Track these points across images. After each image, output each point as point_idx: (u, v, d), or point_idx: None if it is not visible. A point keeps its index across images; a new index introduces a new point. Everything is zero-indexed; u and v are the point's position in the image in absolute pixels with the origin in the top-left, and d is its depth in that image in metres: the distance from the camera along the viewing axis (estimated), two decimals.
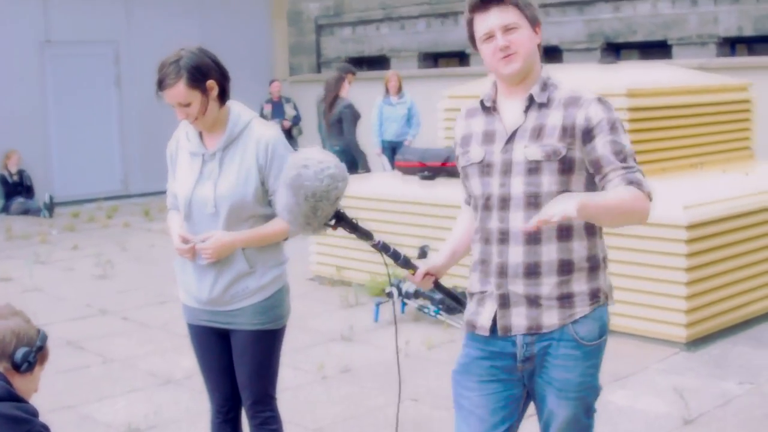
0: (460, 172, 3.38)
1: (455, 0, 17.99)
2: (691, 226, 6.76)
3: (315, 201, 3.18)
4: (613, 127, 3.09)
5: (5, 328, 2.88)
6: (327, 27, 20.81)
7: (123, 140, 17.13)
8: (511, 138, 3.16)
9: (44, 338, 2.97)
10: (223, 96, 3.93)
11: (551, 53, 16.47)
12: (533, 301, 3.15)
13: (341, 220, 3.31)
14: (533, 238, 3.11)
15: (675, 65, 11.52)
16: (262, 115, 15.82)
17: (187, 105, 3.82)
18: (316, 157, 3.24)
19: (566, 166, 3.09)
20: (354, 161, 11.37)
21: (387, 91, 13.50)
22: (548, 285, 3.13)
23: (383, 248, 3.36)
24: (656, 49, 15.39)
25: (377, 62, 19.49)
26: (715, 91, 8.94)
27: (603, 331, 3.22)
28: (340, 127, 11.65)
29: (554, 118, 3.12)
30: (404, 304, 7.89)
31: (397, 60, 19.08)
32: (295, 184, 3.18)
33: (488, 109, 3.27)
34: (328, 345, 7.29)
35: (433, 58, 18.89)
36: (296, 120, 16.18)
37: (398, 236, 8.43)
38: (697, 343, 6.91)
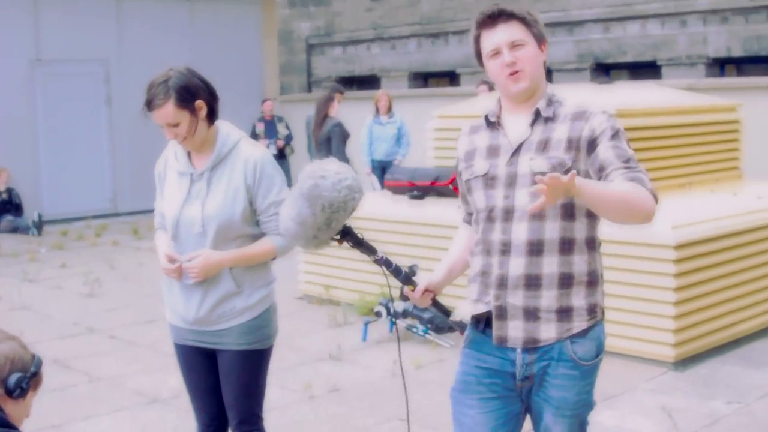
0: (461, 188, 3.40)
1: (446, 20, 18.08)
2: (680, 246, 6.77)
3: (331, 212, 3.17)
4: (615, 135, 3.11)
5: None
6: (318, 47, 20.87)
7: (113, 159, 17.10)
8: (516, 151, 3.19)
9: (39, 364, 2.94)
10: (211, 116, 3.93)
11: None
12: (531, 314, 3.16)
13: (347, 234, 3.30)
14: (535, 250, 3.12)
15: (664, 85, 11.55)
16: (255, 134, 15.85)
17: (176, 125, 3.82)
18: (333, 168, 3.24)
19: None
20: None
21: (377, 110, 13.52)
22: (548, 297, 3.14)
23: (385, 263, 3.35)
24: (646, 70, 15.47)
25: (368, 82, 19.55)
26: (704, 111, 8.96)
27: (600, 350, 3.25)
28: (329, 146, 11.65)
29: (560, 132, 3.15)
30: (392, 323, 7.87)
31: (387, 80, 19.14)
32: (313, 194, 3.16)
33: (493, 124, 3.29)
34: (316, 364, 7.26)
35: (424, 78, 18.96)
36: (288, 139, 16.20)
37: (388, 255, 8.44)
38: (685, 362, 6.91)
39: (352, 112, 14.09)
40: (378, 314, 7.78)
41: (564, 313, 3.16)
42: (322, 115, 11.99)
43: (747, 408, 6.09)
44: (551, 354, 3.18)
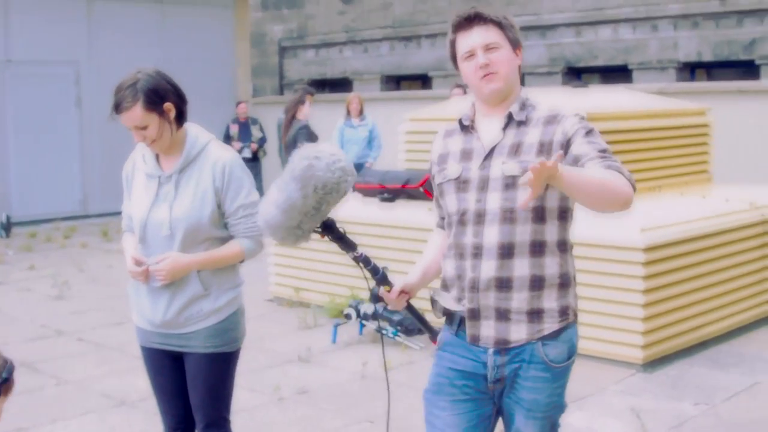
0: (435, 191, 3.39)
1: (418, 24, 18.10)
2: (648, 249, 6.80)
3: (324, 193, 3.13)
4: (588, 132, 3.12)
5: None
6: (290, 49, 20.85)
7: (82, 161, 17.00)
8: (489, 155, 3.19)
9: (10, 370, 2.90)
10: (180, 118, 3.91)
11: None
12: (503, 315, 3.16)
13: (329, 227, 3.28)
14: (507, 253, 3.13)
15: (635, 89, 11.62)
16: (228, 136, 15.82)
17: (144, 128, 3.79)
18: (327, 150, 3.22)
19: None
20: None
21: (348, 113, 13.51)
22: (518, 299, 3.15)
23: (364, 261, 3.33)
24: (617, 74, 15.54)
25: (340, 84, 19.54)
26: (674, 115, 9.01)
27: (572, 353, 3.26)
28: (295, 148, 11.60)
29: (532, 136, 3.16)
30: (362, 325, 7.87)
31: (359, 82, 19.14)
32: (306, 174, 3.12)
33: (466, 127, 3.30)
34: (285, 366, 7.24)
35: (396, 81, 18.98)
36: (262, 142, 16.19)
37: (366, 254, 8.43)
38: (654, 364, 6.94)
39: (324, 115, 14.08)
40: (348, 316, 7.77)
41: (534, 315, 3.17)
42: (290, 117, 11.98)
43: (714, 409, 6.13)
44: (522, 356, 3.18)
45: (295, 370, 7.12)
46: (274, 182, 3.27)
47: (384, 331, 7.63)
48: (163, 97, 3.80)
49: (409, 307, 3.45)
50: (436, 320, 3.44)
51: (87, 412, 6.30)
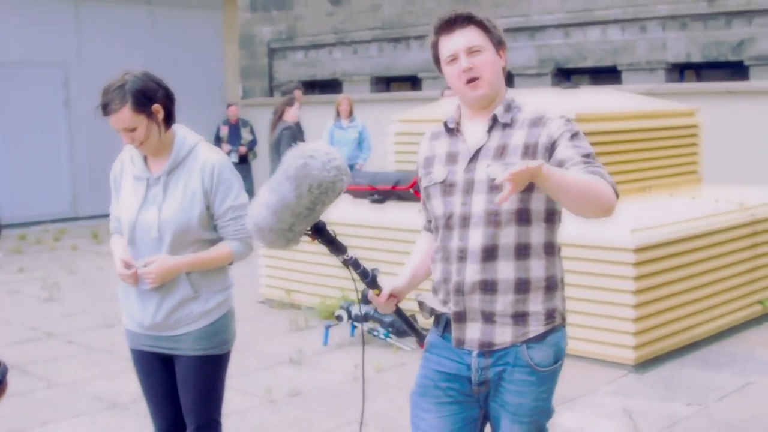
0: (422, 194, 3.37)
1: (407, 25, 18.10)
2: (639, 249, 6.81)
3: (319, 193, 3.08)
4: (574, 135, 3.10)
5: None
6: (279, 51, 20.84)
7: (72, 162, 16.95)
8: (474, 157, 3.17)
9: (3, 372, 2.89)
10: (168, 119, 3.89)
11: None
12: (488, 318, 3.14)
13: (320, 230, 3.24)
14: (490, 255, 3.11)
15: (624, 90, 11.64)
16: (218, 137, 15.80)
17: (133, 130, 3.77)
18: (322, 149, 3.17)
19: (527, 185, 3.04)
20: None
21: (338, 114, 13.50)
22: (503, 303, 3.12)
23: (354, 264, 3.31)
24: (606, 75, 15.57)
25: (329, 86, 19.54)
26: (663, 116, 9.02)
27: (558, 357, 3.23)
28: (279, 148, 11.61)
29: (517, 138, 3.14)
30: (353, 327, 7.86)
31: (349, 84, 19.14)
32: (301, 173, 3.07)
33: (452, 130, 3.28)
34: (277, 368, 7.23)
35: (385, 82, 18.97)
36: (252, 144, 16.15)
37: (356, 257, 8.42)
38: (645, 364, 6.94)
39: (314, 116, 14.07)
40: (339, 318, 7.77)
41: (520, 318, 3.14)
42: (276, 118, 12.01)
43: (706, 410, 6.13)
44: (507, 359, 3.16)
45: (286, 372, 7.11)
46: (264, 184, 3.23)
47: (375, 333, 7.62)
48: (152, 99, 3.78)
49: (398, 311, 3.44)
50: (425, 322, 3.43)
51: (78, 415, 6.28)
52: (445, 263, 3.21)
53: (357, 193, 9.22)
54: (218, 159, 3.93)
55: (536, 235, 3.14)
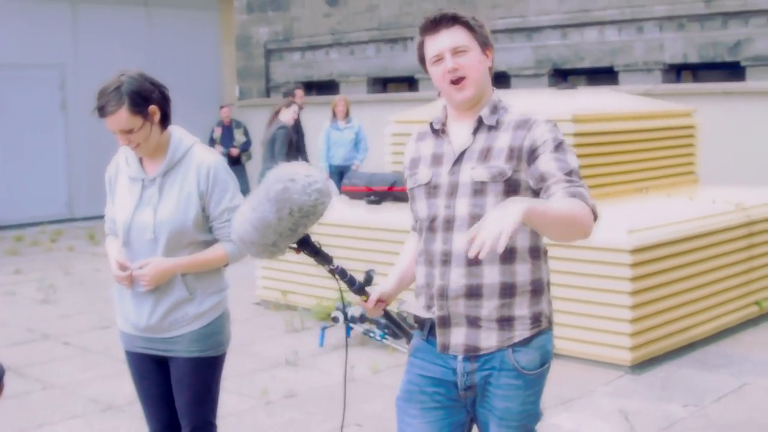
0: (408, 195, 3.34)
1: (404, 26, 18.09)
2: (636, 250, 6.80)
3: (300, 216, 3.07)
4: (558, 147, 3.05)
5: None
6: (276, 52, 20.82)
7: (68, 164, 16.94)
8: (458, 159, 3.13)
9: (1, 374, 2.88)
10: (164, 121, 3.87)
11: (499, 79, 16.58)
12: (473, 322, 3.10)
13: (305, 243, 3.21)
14: (474, 260, 3.01)
15: (621, 91, 11.63)
16: (212, 138, 15.79)
17: (129, 131, 3.75)
18: (302, 171, 3.14)
19: (511, 188, 3.06)
20: None
21: (334, 115, 13.49)
22: (488, 307, 3.08)
23: (341, 273, 3.29)
24: (603, 76, 15.55)
25: (326, 87, 19.52)
26: (660, 116, 9.02)
27: (545, 360, 3.19)
28: (273, 148, 11.59)
29: (502, 141, 3.09)
30: (350, 328, 7.84)
31: (346, 85, 19.12)
32: (281, 197, 3.05)
33: (437, 131, 3.24)
34: (273, 370, 7.22)
35: (382, 83, 18.96)
36: (245, 146, 16.13)
37: (344, 260, 8.36)
38: (642, 365, 6.94)
39: (311, 118, 14.05)
40: (335, 319, 7.73)
41: (505, 322, 3.10)
42: (272, 117, 12.02)
43: (703, 411, 6.13)
44: (492, 363, 3.12)
45: (282, 374, 7.10)
46: (248, 197, 3.20)
47: (371, 334, 7.61)
48: (148, 100, 3.76)
49: (387, 315, 3.43)
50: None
51: (73, 417, 6.27)
52: (428, 266, 3.17)
53: (353, 194, 9.22)
54: (214, 160, 3.92)
55: (522, 238, 3.10)
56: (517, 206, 2.67)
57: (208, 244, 3.93)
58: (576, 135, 7.84)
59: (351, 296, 3.41)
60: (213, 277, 3.98)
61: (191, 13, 18.80)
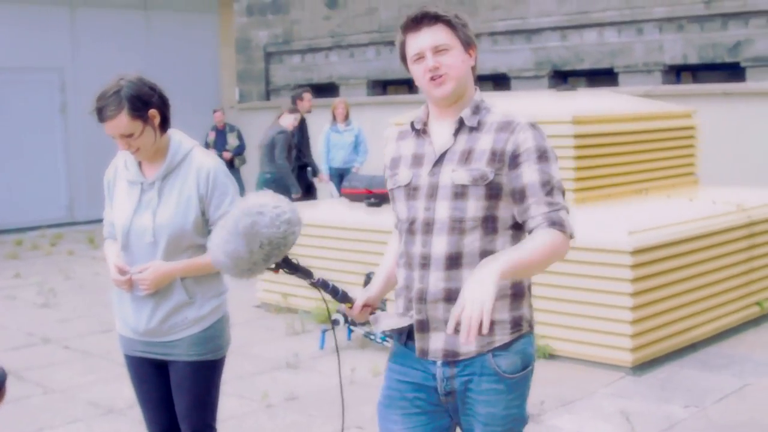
0: (389, 196, 3.29)
1: None
2: (636, 252, 6.79)
3: (270, 249, 3.04)
4: (542, 156, 3.01)
5: None
6: (276, 55, 20.81)
7: (68, 167, 16.94)
8: (439, 161, 3.08)
9: (2, 378, 2.87)
10: (164, 124, 3.86)
11: (500, 81, 16.57)
12: None
13: (283, 263, 3.17)
14: (454, 263, 3.02)
15: (621, 92, 11.63)
16: (206, 143, 15.80)
17: (129, 135, 3.74)
18: (270, 203, 3.09)
19: (493, 192, 3.01)
20: (287, 188, 11.27)
21: (334, 118, 13.48)
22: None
23: (322, 285, 3.25)
24: (603, 77, 15.53)
25: (326, 90, 19.50)
26: (660, 118, 9.02)
27: (527, 363, 3.13)
28: (272, 153, 11.54)
29: (484, 142, 3.04)
30: (350, 330, 7.84)
31: (345, 87, 19.11)
32: (251, 232, 3.01)
33: (419, 131, 3.19)
34: (274, 373, 7.21)
35: (382, 86, 18.94)
36: (239, 150, 16.13)
37: (345, 263, 8.41)
38: (643, 366, 6.93)
39: (311, 121, 14.01)
40: (335, 322, 7.73)
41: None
42: (275, 119, 11.98)
43: (704, 412, 6.12)
44: (472, 368, 3.06)
45: (283, 377, 7.09)
46: (219, 224, 3.16)
47: (372, 337, 7.60)
48: (148, 103, 3.75)
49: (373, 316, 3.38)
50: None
51: (74, 421, 6.26)
52: (408, 269, 3.12)
53: (354, 197, 9.22)
54: (214, 164, 3.91)
55: (502, 242, 3.05)
56: (492, 274, 2.72)
57: (207, 247, 3.91)
58: (576, 136, 7.84)
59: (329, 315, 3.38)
60: (212, 281, 3.97)
61: (190, 16, 18.80)
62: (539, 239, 2.93)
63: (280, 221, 3.05)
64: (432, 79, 3.06)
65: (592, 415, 6.09)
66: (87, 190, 16.60)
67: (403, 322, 3.14)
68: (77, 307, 9.76)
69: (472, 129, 3.09)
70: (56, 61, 16.85)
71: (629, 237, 6.81)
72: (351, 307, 3.29)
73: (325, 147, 13.39)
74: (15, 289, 10.85)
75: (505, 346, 3.07)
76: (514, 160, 3.00)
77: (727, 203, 8.12)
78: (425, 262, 3.06)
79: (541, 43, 16.39)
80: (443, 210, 3.03)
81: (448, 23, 3.07)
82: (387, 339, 7.49)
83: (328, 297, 3.29)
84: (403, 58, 3.17)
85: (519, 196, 3.01)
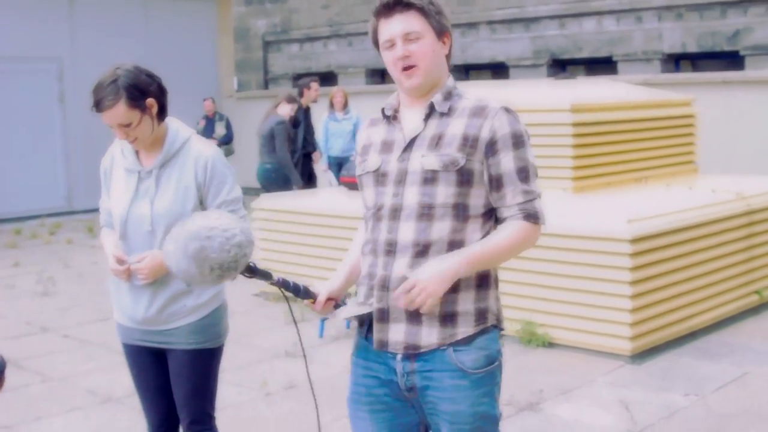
0: (357, 183, 3.24)
1: None
2: (635, 240, 6.78)
3: (222, 271, 3.02)
4: (517, 142, 2.96)
5: None
6: (274, 43, 20.78)
7: (67, 156, 16.94)
8: (408, 146, 3.02)
9: (2, 366, 2.86)
10: (161, 113, 3.84)
11: (498, 70, 16.54)
12: (413, 318, 2.95)
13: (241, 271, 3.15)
14: (421, 251, 2.94)
15: (620, 81, 11.61)
16: (196, 131, 15.82)
17: (128, 125, 3.72)
18: (219, 226, 3.04)
19: (465, 178, 2.95)
20: (287, 179, 11.24)
21: (332, 107, 13.46)
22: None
23: (283, 284, 3.21)
24: (602, 65, 15.52)
25: (325, 78, 19.45)
26: (659, 106, 9.01)
27: (492, 359, 3.02)
28: (272, 144, 11.46)
29: (455, 127, 2.98)
30: (348, 320, 7.82)
31: (344, 76, 19.09)
32: (200, 257, 2.99)
33: (389, 118, 3.14)
34: (273, 361, 7.20)
35: (381, 75, 18.90)
36: (226, 139, 16.11)
37: (343, 251, 8.39)
38: (642, 355, 6.93)
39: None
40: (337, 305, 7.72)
41: (448, 318, 2.95)
42: (271, 108, 11.89)
43: (703, 400, 6.12)
44: (433, 364, 2.96)
45: (282, 365, 7.09)
46: (169, 237, 3.12)
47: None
48: (145, 92, 3.73)
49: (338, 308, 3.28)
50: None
51: (72, 409, 6.26)
52: (372, 256, 3.04)
53: (352, 186, 9.20)
54: (211, 153, 3.89)
55: (472, 231, 2.98)
56: (456, 265, 2.86)
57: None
58: (575, 125, 7.83)
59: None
60: None
61: (188, 5, 18.77)
62: (513, 231, 2.96)
63: (230, 245, 3.03)
64: (403, 69, 3.01)
65: (591, 404, 6.09)
66: (85, 179, 16.57)
67: (363, 310, 3.07)
68: (76, 295, 9.76)
69: (442, 114, 3.03)
70: (54, 50, 16.82)
71: (628, 225, 6.80)
72: (313, 303, 3.22)
73: (324, 136, 13.37)
74: (14, 277, 10.85)
75: (467, 341, 2.97)
76: (492, 147, 2.96)
77: (727, 191, 8.11)
78: (391, 249, 2.98)
79: (539, 31, 16.37)
80: (412, 196, 2.97)
81: (421, 10, 3.01)
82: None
83: (290, 295, 3.25)
84: (376, 43, 3.12)
85: (495, 184, 2.97)
